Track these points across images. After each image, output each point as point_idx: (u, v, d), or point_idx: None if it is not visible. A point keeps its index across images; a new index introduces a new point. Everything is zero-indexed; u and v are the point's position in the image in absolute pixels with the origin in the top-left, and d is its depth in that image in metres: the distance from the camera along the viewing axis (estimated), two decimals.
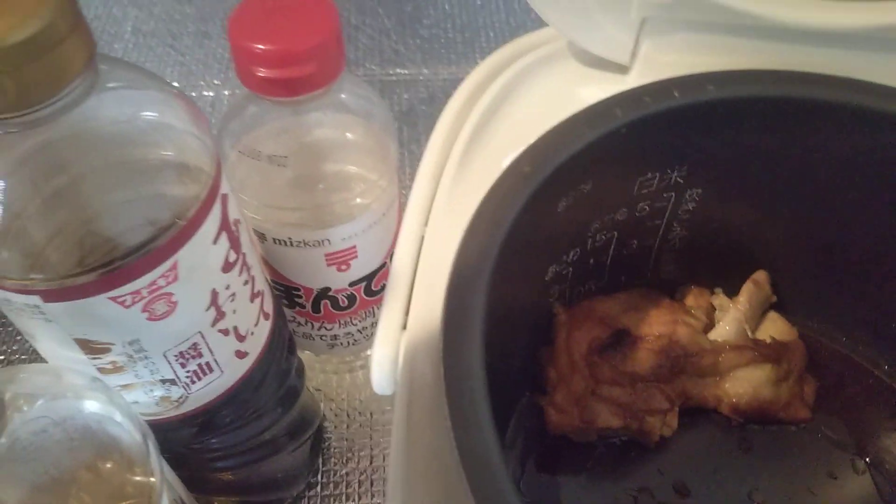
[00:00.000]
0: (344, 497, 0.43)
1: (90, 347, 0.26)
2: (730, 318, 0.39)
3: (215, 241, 0.26)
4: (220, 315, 0.28)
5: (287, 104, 0.31)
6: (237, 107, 0.33)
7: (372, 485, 0.43)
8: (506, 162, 0.29)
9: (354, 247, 0.35)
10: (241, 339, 0.30)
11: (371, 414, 0.46)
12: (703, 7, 0.31)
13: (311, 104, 0.31)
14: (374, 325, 0.42)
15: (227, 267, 0.27)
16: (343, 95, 0.32)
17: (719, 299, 0.41)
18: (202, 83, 0.64)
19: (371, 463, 0.44)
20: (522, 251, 0.29)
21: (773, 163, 0.34)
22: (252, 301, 0.30)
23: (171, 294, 0.25)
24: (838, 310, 0.40)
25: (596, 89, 0.33)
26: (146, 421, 0.27)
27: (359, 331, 0.41)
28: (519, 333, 0.36)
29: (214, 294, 0.27)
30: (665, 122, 0.31)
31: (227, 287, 0.28)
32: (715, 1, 0.31)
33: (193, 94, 0.63)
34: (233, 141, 0.33)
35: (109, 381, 0.27)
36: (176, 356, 0.28)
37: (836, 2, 0.31)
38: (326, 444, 0.45)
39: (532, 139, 0.30)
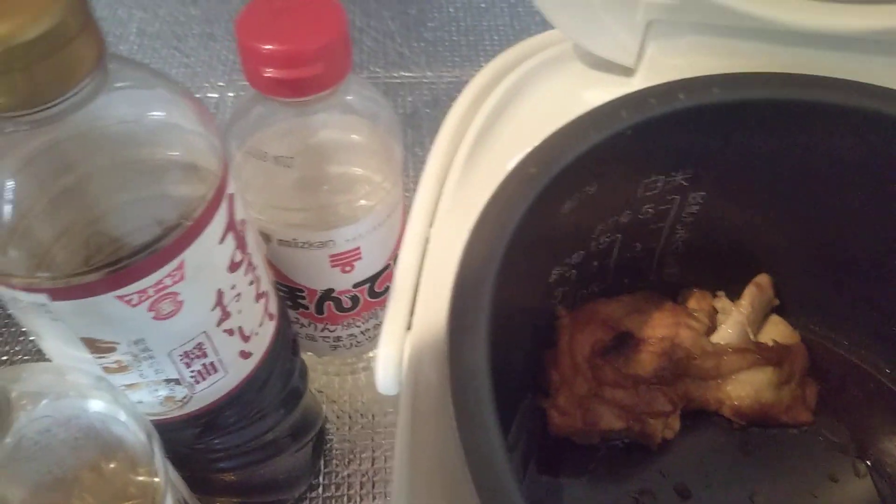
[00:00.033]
0: (346, 499, 0.43)
1: (96, 346, 0.26)
2: (732, 321, 0.39)
3: (221, 241, 0.26)
4: (226, 315, 0.28)
5: (294, 105, 0.31)
6: (244, 107, 0.33)
7: (373, 487, 0.43)
8: (511, 164, 0.29)
9: (359, 248, 0.35)
10: (245, 339, 0.30)
11: (373, 416, 0.46)
12: (709, 10, 0.31)
13: (318, 105, 0.31)
14: (377, 326, 0.42)
15: (233, 267, 0.27)
16: (349, 97, 0.33)
17: (722, 302, 0.41)
18: (206, 85, 0.64)
19: (373, 465, 0.44)
20: (527, 253, 0.29)
21: (778, 166, 0.34)
22: (257, 301, 0.30)
23: (177, 293, 0.25)
24: (840, 313, 0.40)
25: (601, 92, 0.33)
26: (150, 421, 0.27)
27: (362, 332, 0.42)
28: (522, 335, 0.36)
29: (220, 294, 0.27)
30: (670, 124, 0.31)
31: (233, 287, 0.28)
32: (720, 4, 0.31)
33: (198, 95, 0.63)
34: (239, 142, 0.33)
35: (114, 381, 0.27)
36: (181, 356, 0.28)
37: (842, 5, 0.31)
38: (328, 445, 0.45)
39: (537, 141, 0.30)
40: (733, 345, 0.39)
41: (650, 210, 0.36)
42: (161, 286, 0.24)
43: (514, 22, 0.71)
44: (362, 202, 0.35)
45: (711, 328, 0.40)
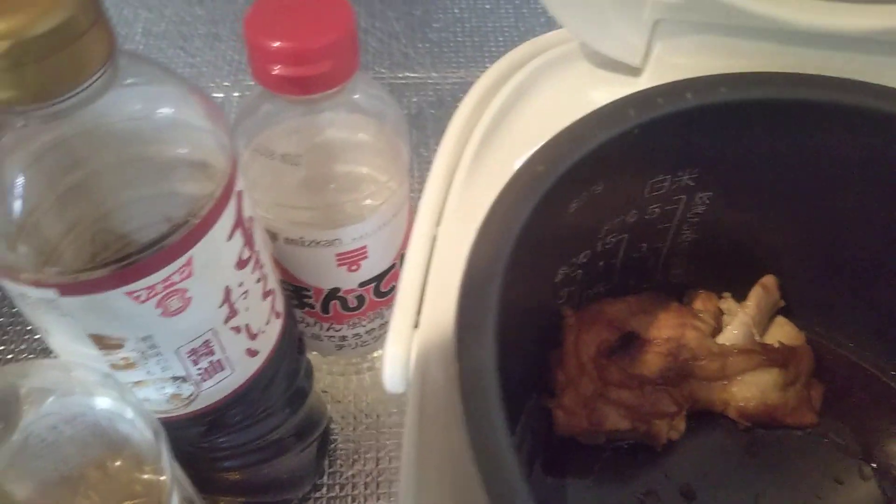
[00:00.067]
0: (350, 499, 0.43)
1: (104, 343, 0.26)
2: (738, 322, 0.39)
3: (230, 238, 0.26)
4: (233, 312, 0.28)
5: (301, 103, 0.31)
6: (251, 106, 0.33)
7: (378, 487, 0.43)
8: (518, 163, 0.29)
9: (365, 247, 0.35)
10: (252, 337, 0.30)
11: (377, 416, 0.46)
12: (716, 9, 0.31)
13: (325, 103, 0.31)
14: (382, 326, 0.42)
15: (241, 264, 0.27)
16: (356, 95, 0.33)
17: (727, 303, 0.41)
18: (212, 85, 0.64)
19: (377, 465, 0.44)
20: (533, 252, 0.29)
21: (784, 166, 0.34)
22: (264, 299, 0.30)
23: (185, 290, 0.25)
24: (846, 315, 0.40)
25: (608, 91, 0.33)
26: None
27: (367, 332, 0.41)
28: (527, 335, 0.36)
29: (227, 291, 0.27)
30: (677, 123, 0.31)
31: (241, 284, 0.28)
32: (728, 3, 0.31)
33: None
34: (246, 140, 0.33)
35: (121, 378, 0.27)
36: (188, 353, 0.28)
37: (849, 4, 0.31)
38: (333, 445, 0.45)
39: (544, 140, 0.30)
40: (739, 346, 0.39)
41: (657, 210, 0.36)
42: (169, 282, 0.24)
43: (519, 23, 0.71)
44: (368, 201, 0.35)
45: (717, 329, 0.40)
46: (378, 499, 0.43)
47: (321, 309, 0.39)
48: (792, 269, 0.40)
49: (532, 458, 0.37)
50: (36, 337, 0.48)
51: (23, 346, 0.48)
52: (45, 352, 0.28)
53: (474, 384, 0.24)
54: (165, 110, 0.25)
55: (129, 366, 0.27)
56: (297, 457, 0.39)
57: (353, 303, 0.39)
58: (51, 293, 0.23)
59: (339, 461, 0.44)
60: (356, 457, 0.44)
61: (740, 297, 0.41)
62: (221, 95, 0.64)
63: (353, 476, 0.44)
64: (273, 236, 0.35)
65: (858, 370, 0.40)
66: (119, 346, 0.26)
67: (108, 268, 0.23)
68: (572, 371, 0.37)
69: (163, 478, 0.27)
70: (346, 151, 0.34)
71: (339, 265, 0.36)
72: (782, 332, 0.40)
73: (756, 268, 0.40)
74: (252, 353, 0.31)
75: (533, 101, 0.35)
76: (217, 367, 0.29)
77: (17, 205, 0.22)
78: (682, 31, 0.33)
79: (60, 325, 0.25)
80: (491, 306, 0.25)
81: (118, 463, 0.27)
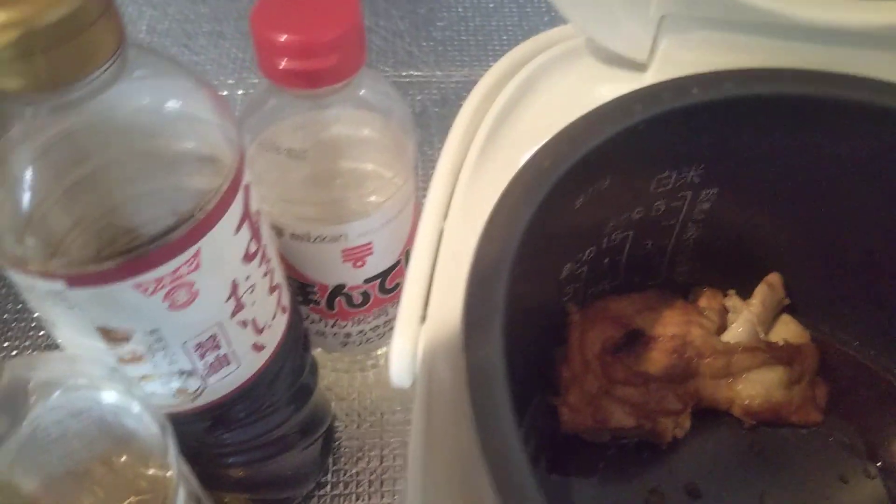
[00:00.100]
0: (354, 497, 0.43)
1: (111, 336, 0.26)
2: (743, 319, 0.39)
3: (237, 232, 0.26)
4: (240, 306, 0.28)
5: (307, 98, 0.31)
6: (257, 101, 0.33)
7: (382, 485, 0.43)
8: (523, 158, 0.29)
9: (371, 243, 0.35)
10: (258, 331, 0.30)
11: (381, 414, 0.46)
12: (722, 4, 0.31)
13: (332, 98, 0.31)
14: (386, 323, 0.42)
15: (248, 258, 0.27)
16: (362, 91, 0.33)
17: (732, 301, 0.41)
18: (216, 83, 0.64)
19: (381, 463, 0.44)
20: (539, 248, 0.29)
21: (790, 162, 0.34)
22: (270, 294, 0.30)
23: (192, 283, 0.25)
24: (851, 314, 0.40)
25: (613, 87, 0.33)
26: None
27: (372, 329, 0.41)
28: (532, 332, 0.36)
29: (234, 285, 0.27)
30: (683, 119, 0.31)
31: (247, 278, 0.28)
32: None
33: None
34: (252, 134, 0.33)
35: (128, 372, 0.27)
36: (195, 347, 0.28)
37: (856, 0, 0.31)
38: (337, 443, 0.45)
39: (550, 136, 0.30)
40: (744, 344, 0.38)
41: (662, 206, 0.36)
42: (177, 275, 0.24)
43: (523, 22, 0.71)
44: (374, 197, 0.35)
45: (722, 327, 0.40)
46: (382, 496, 0.43)
47: (326, 305, 0.39)
48: (797, 266, 0.40)
49: (537, 456, 0.37)
50: (41, 333, 0.48)
51: (27, 343, 0.48)
52: (50, 348, 0.28)
53: (482, 379, 0.24)
54: (174, 103, 0.25)
55: (135, 359, 0.27)
56: (302, 454, 0.39)
57: (358, 299, 0.39)
58: (59, 285, 0.23)
59: (343, 458, 0.44)
60: (360, 454, 0.44)
61: (745, 294, 0.41)
62: (226, 93, 0.64)
63: (357, 473, 0.44)
64: (279, 232, 0.35)
65: (863, 369, 0.40)
66: (126, 340, 0.26)
67: (115, 259, 0.23)
68: (577, 368, 0.37)
69: (169, 473, 0.27)
70: (352, 147, 0.34)
71: (345, 261, 0.36)
72: (787, 330, 0.40)
73: (761, 265, 0.40)
74: (258, 347, 0.31)
75: (537, 98, 0.35)
76: (223, 361, 0.29)
77: (26, 197, 0.22)
78: (687, 27, 0.33)
79: (68, 317, 0.25)
80: (498, 302, 0.25)
81: (124, 458, 0.27)
